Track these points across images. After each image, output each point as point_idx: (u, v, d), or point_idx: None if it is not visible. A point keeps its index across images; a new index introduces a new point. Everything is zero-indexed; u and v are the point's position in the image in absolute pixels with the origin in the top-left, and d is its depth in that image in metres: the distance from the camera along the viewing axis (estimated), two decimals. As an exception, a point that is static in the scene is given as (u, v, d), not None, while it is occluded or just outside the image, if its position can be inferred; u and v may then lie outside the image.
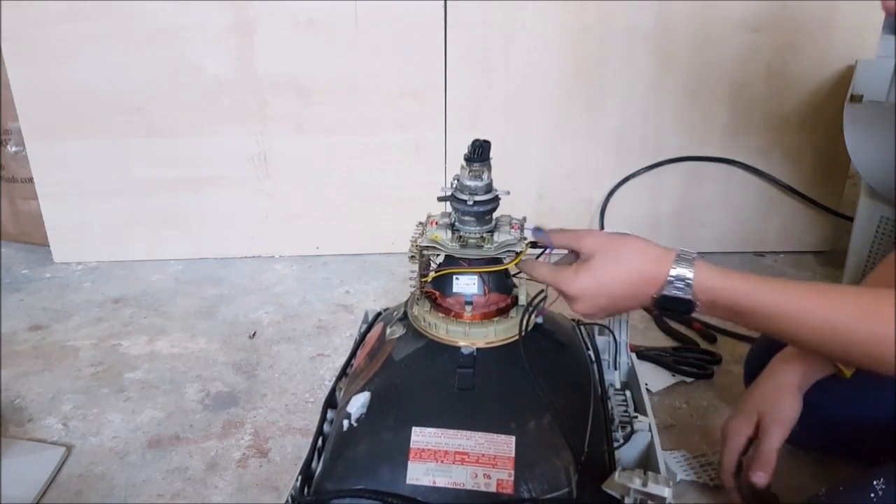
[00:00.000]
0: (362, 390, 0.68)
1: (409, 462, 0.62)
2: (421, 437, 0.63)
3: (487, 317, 0.70)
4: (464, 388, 0.66)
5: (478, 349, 0.68)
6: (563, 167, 1.53)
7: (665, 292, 0.59)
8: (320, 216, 1.54)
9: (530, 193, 1.54)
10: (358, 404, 0.66)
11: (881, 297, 0.54)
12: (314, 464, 0.67)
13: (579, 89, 1.48)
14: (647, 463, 0.73)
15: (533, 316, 0.70)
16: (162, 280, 1.46)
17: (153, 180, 1.49)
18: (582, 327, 0.85)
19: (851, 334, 0.55)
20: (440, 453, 0.62)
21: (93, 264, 1.53)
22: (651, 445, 0.72)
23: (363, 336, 0.84)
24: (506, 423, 0.63)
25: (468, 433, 0.63)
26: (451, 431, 0.63)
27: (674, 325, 1.23)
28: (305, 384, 1.07)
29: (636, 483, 0.53)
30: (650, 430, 0.73)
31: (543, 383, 0.65)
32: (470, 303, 0.70)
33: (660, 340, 1.20)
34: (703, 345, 1.18)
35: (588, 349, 0.81)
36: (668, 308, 0.61)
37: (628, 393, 0.81)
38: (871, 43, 1.35)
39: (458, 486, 0.61)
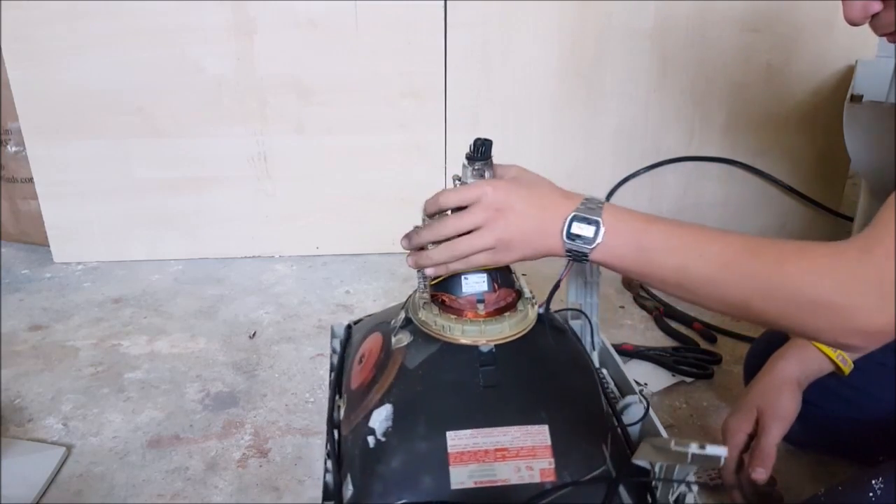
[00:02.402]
0: (381, 404, 0.66)
1: (450, 467, 0.61)
2: (457, 440, 0.63)
3: (499, 313, 0.70)
4: (489, 386, 0.66)
5: (495, 345, 0.68)
6: (563, 167, 1.53)
7: (575, 212, 0.59)
8: (320, 216, 1.54)
9: (530, 193, 1.54)
10: (381, 418, 0.65)
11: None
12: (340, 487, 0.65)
13: (579, 89, 1.48)
14: (648, 432, 0.74)
15: (536, 306, 0.72)
16: (162, 280, 1.46)
17: (153, 180, 1.49)
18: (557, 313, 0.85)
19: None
20: (480, 453, 0.63)
21: (93, 264, 1.53)
22: (648, 416, 0.74)
23: (343, 350, 0.84)
24: (536, 413, 0.65)
25: (503, 429, 0.64)
26: (486, 430, 0.63)
27: (674, 324, 1.23)
28: (305, 384, 1.07)
29: (693, 448, 0.53)
30: (644, 402, 0.76)
31: (562, 369, 0.67)
32: (482, 301, 0.70)
33: (660, 340, 1.20)
34: (703, 345, 1.18)
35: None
36: (576, 237, 0.58)
37: (605, 371, 0.85)
38: (871, 43, 1.35)
39: (505, 483, 0.61)
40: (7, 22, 1.35)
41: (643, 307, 1.31)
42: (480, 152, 0.68)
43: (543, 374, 0.68)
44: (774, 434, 0.72)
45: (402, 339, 0.72)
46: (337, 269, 1.51)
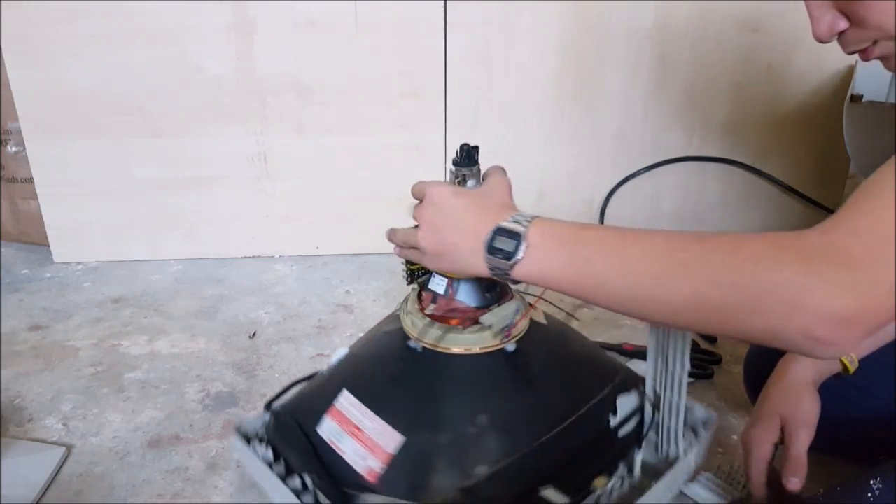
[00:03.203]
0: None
1: (325, 416, 0.72)
2: (344, 401, 0.72)
3: (446, 321, 0.72)
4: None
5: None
6: (563, 167, 1.53)
7: (498, 225, 0.55)
8: (320, 216, 1.54)
9: (530, 193, 1.54)
10: (337, 355, 0.80)
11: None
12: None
13: (579, 89, 1.48)
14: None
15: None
16: (162, 280, 1.46)
17: (153, 180, 1.49)
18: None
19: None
20: (345, 420, 0.71)
21: (93, 264, 1.53)
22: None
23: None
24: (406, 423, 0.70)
25: (373, 415, 0.69)
26: (364, 408, 0.70)
27: (673, 325, 1.23)
28: (305, 384, 1.08)
29: None
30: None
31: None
32: (434, 302, 0.73)
33: (659, 340, 1.20)
34: (703, 345, 1.18)
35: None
36: (497, 251, 0.55)
37: None
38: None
39: (342, 454, 0.69)
40: (7, 22, 1.35)
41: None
42: (467, 158, 0.68)
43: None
44: (803, 441, 0.71)
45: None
46: (337, 269, 1.51)
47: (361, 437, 0.69)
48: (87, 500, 0.84)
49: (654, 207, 1.56)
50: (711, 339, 1.19)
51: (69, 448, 0.92)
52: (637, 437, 0.73)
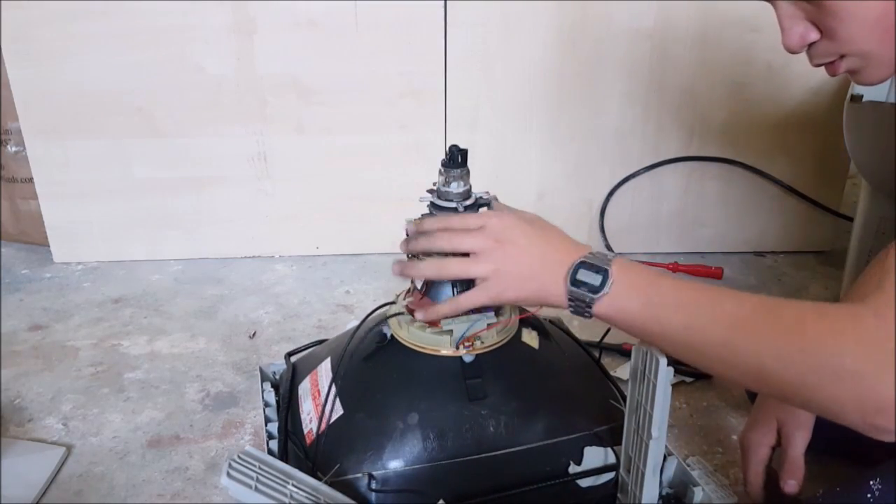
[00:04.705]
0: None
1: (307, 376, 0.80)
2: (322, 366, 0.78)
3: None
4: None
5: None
6: (563, 167, 1.53)
7: (583, 258, 0.56)
8: (320, 216, 1.54)
9: (530, 193, 1.54)
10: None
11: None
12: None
13: (579, 89, 1.48)
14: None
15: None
16: (162, 280, 1.46)
17: (153, 180, 1.49)
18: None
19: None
20: (315, 384, 0.76)
21: (93, 264, 1.53)
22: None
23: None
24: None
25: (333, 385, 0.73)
26: (331, 378, 0.74)
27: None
28: (305, 384, 1.08)
29: None
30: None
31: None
32: (409, 293, 0.75)
33: (659, 340, 1.20)
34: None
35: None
36: (581, 283, 0.56)
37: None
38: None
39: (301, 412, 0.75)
40: (7, 22, 1.35)
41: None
42: (457, 160, 0.68)
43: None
44: (800, 444, 0.71)
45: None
46: (337, 269, 1.51)
47: (317, 402, 0.72)
48: (87, 500, 0.84)
49: (654, 207, 1.56)
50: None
51: (69, 448, 0.92)
52: (612, 497, 0.70)
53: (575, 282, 0.56)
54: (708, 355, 0.52)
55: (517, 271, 0.58)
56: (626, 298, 0.55)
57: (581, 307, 0.56)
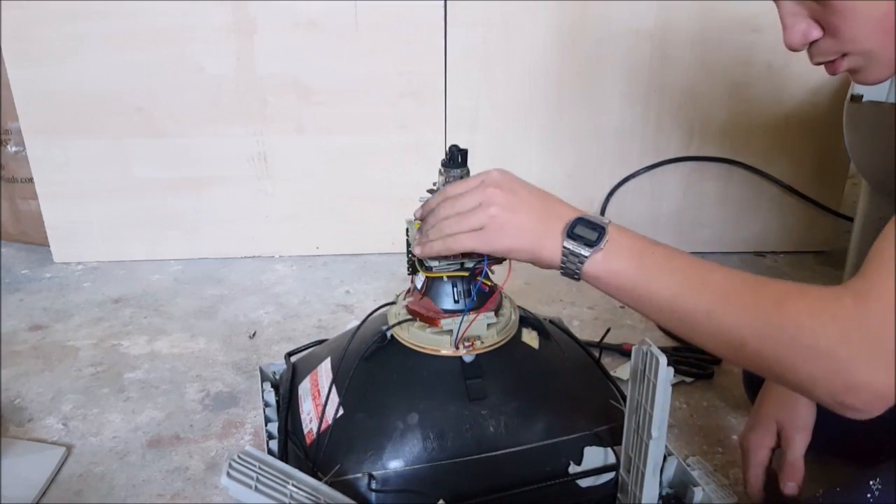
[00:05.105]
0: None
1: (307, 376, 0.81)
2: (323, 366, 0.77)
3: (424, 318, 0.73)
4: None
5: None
6: (563, 167, 1.54)
7: (581, 215, 0.57)
8: (320, 216, 1.54)
9: (530, 193, 1.54)
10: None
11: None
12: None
13: (579, 89, 1.48)
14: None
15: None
16: (162, 280, 1.46)
17: (153, 180, 1.49)
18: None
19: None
20: (315, 384, 0.76)
21: (93, 264, 1.53)
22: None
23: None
24: None
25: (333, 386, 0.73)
26: (331, 379, 0.74)
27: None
28: (305, 384, 1.08)
29: None
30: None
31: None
32: (409, 293, 0.75)
33: (659, 340, 1.20)
34: (703, 345, 1.18)
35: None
36: (578, 237, 0.56)
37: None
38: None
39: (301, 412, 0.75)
40: (7, 22, 1.35)
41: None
42: (457, 160, 0.68)
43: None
44: (800, 446, 0.72)
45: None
46: (337, 269, 1.51)
47: (317, 402, 0.72)
48: (87, 500, 0.84)
49: (654, 207, 1.57)
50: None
51: (69, 448, 0.92)
52: (612, 497, 0.70)
53: (572, 235, 0.56)
54: (691, 324, 0.53)
55: (515, 221, 0.58)
56: (618, 258, 0.55)
57: (573, 264, 0.56)
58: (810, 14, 0.56)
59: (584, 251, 0.56)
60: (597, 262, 0.56)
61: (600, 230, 0.56)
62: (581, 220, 0.57)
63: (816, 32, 0.56)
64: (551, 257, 0.57)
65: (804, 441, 0.72)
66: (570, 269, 0.57)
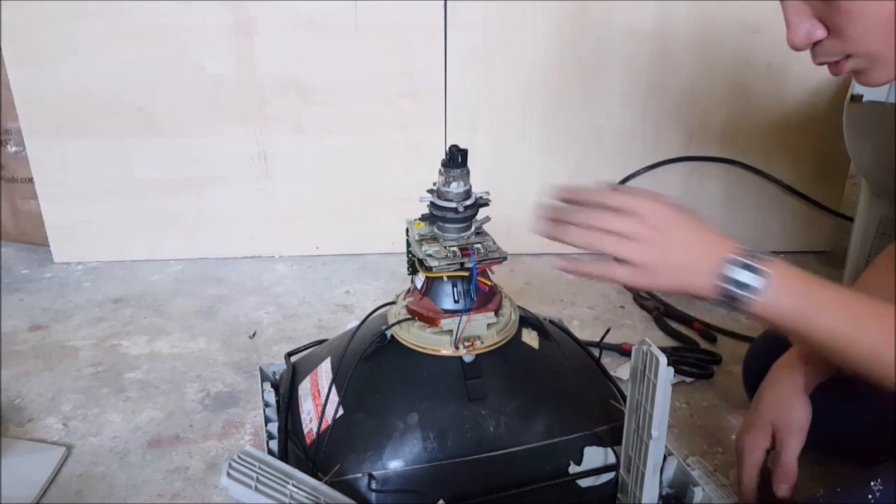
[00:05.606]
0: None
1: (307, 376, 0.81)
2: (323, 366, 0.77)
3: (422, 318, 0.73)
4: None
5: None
6: (563, 167, 1.53)
7: (735, 254, 0.56)
8: (320, 216, 1.54)
9: (530, 193, 1.53)
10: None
11: None
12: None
13: (579, 89, 1.48)
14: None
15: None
16: (162, 280, 1.46)
17: (153, 180, 1.49)
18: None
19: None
20: (315, 384, 0.77)
21: (93, 264, 1.53)
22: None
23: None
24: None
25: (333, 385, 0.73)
26: (331, 379, 0.74)
27: (674, 324, 1.23)
28: (305, 384, 1.08)
29: None
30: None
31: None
32: (409, 293, 0.75)
33: (660, 340, 1.20)
34: (703, 345, 1.18)
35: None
36: (735, 282, 0.56)
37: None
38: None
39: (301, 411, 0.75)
40: (7, 22, 1.35)
41: (643, 307, 1.31)
42: (457, 160, 0.68)
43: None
44: (794, 448, 0.72)
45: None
46: (337, 269, 1.51)
47: (317, 402, 0.72)
48: (87, 500, 0.84)
49: (654, 207, 1.56)
50: (712, 339, 1.19)
51: (69, 448, 0.92)
52: (612, 497, 0.70)
53: (728, 280, 0.56)
54: (851, 360, 0.56)
55: (670, 262, 0.58)
56: (782, 304, 0.56)
57: (729, 303, 0.57)
58: (815, 14, 0.55)
59: (745, 297, 0.56)
60: (755, 306, 0.56)
61: (764, 276, 0.55)
62: (737, 262, 0.56)
63: (821, 32, 0.56)
64: (705, 294, 0.58)
65: (798, 443, 0.72)
66: (725, 306, 0.57)
